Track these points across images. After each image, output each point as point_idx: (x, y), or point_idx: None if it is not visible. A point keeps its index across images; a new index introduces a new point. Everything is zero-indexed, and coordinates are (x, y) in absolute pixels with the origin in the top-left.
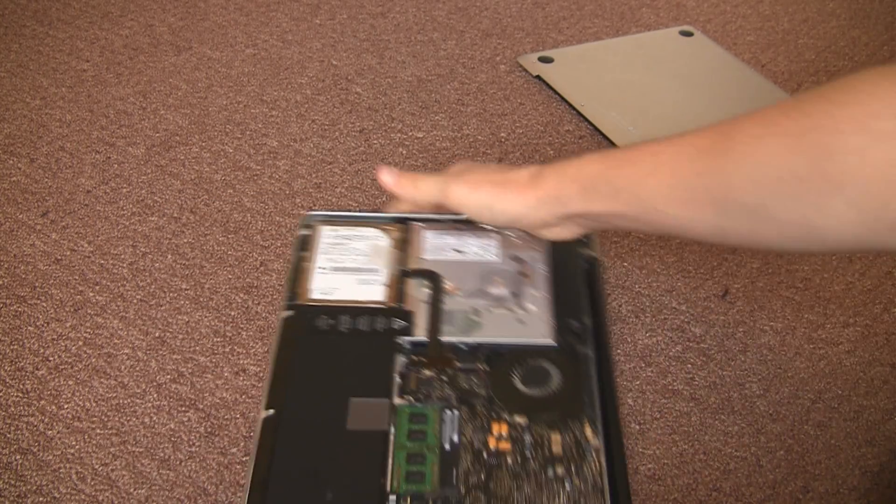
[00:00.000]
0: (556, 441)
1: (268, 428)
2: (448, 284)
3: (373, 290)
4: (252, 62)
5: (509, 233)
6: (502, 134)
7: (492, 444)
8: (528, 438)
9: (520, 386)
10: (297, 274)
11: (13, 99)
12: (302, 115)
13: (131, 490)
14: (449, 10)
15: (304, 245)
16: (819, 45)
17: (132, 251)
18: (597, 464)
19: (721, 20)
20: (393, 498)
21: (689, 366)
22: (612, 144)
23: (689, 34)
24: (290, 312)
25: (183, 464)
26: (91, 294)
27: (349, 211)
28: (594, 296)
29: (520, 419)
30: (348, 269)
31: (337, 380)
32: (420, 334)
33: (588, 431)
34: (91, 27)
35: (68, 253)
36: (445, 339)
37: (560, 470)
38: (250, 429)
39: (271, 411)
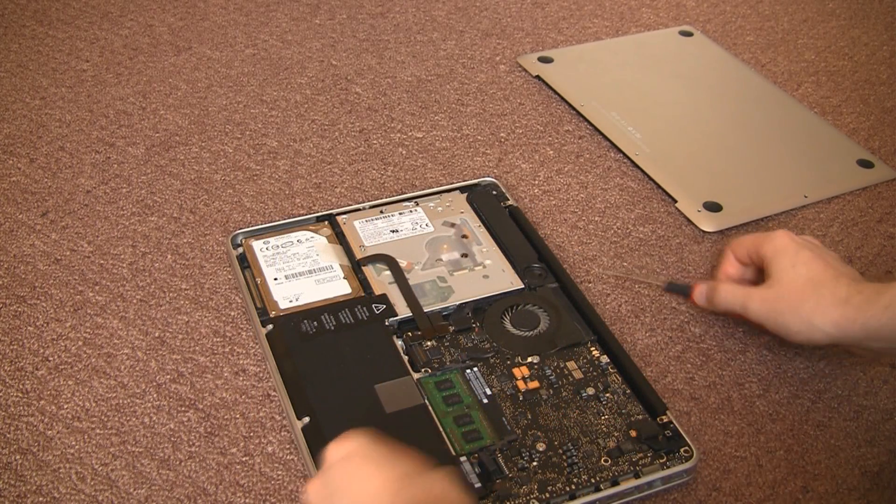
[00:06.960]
0: (574, 367)
1: (310, 435)
2: (402, 262)
3: (335, 286)
4: (252, 62)
5: (429, 203)
6: (502, 134)
7: (521, 386)
8: (549, 372)
9: (515, 331)
10: (254, 291)
11: (13, 99)
12: (302, 115)
13: (131, 490)
14: (449, 10)
15: (244, 263)
16: (819, 45)
17: (132, 251)
18: (617, 376)
19: (721, 20)
20: (463, 459)
21: (689, 366)
22: (612, 144)
23: (689, 34)
24: (269, 327)
25: (183, 464)
26: (91, 294)
27: (272, 221)
28: (529, 236)
29: (532, 359)
30: (301, 273)
31: (351, 373)
32: (403, 312)
33: (595, 351)
34: (91, 27)
35: (68, 253)
36: (428, 310)
37: (590, 390)
38: (250, 429)
39: (306, 419)
